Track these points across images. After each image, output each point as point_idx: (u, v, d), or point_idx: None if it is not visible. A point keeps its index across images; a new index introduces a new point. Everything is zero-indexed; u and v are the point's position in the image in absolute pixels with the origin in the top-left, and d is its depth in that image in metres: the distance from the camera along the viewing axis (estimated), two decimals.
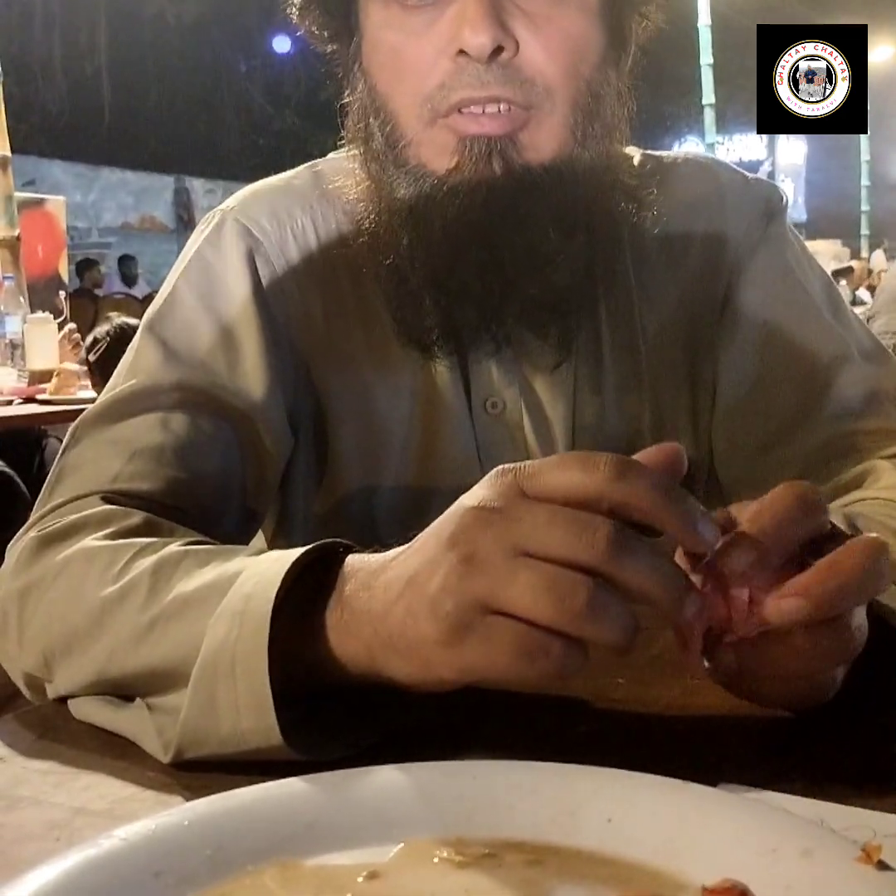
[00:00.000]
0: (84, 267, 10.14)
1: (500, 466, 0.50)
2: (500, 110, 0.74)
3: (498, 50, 0.72)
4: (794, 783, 0.48)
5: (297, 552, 0.54)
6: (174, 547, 0.61)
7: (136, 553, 0.61)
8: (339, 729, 0.53)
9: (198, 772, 0.52)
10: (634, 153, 0.89)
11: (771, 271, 0.87)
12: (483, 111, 0.74)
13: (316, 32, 0.82)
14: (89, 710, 0.59)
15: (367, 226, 0.81)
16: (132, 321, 3.05)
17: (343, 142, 0.86)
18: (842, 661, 0.51)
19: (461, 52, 0.73)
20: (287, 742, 0.50)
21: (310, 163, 0.91)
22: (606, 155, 0.80)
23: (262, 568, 0.54)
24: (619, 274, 0.85)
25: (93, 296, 8.82)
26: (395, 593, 0.50)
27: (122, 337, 2.91)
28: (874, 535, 0.51)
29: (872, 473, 0.79)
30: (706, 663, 0.52)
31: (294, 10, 0.82)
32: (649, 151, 0.90)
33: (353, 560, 0.54)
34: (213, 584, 0.56)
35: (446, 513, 0.50)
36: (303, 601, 0.53)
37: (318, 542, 0.55)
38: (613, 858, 0.41)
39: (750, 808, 0.42)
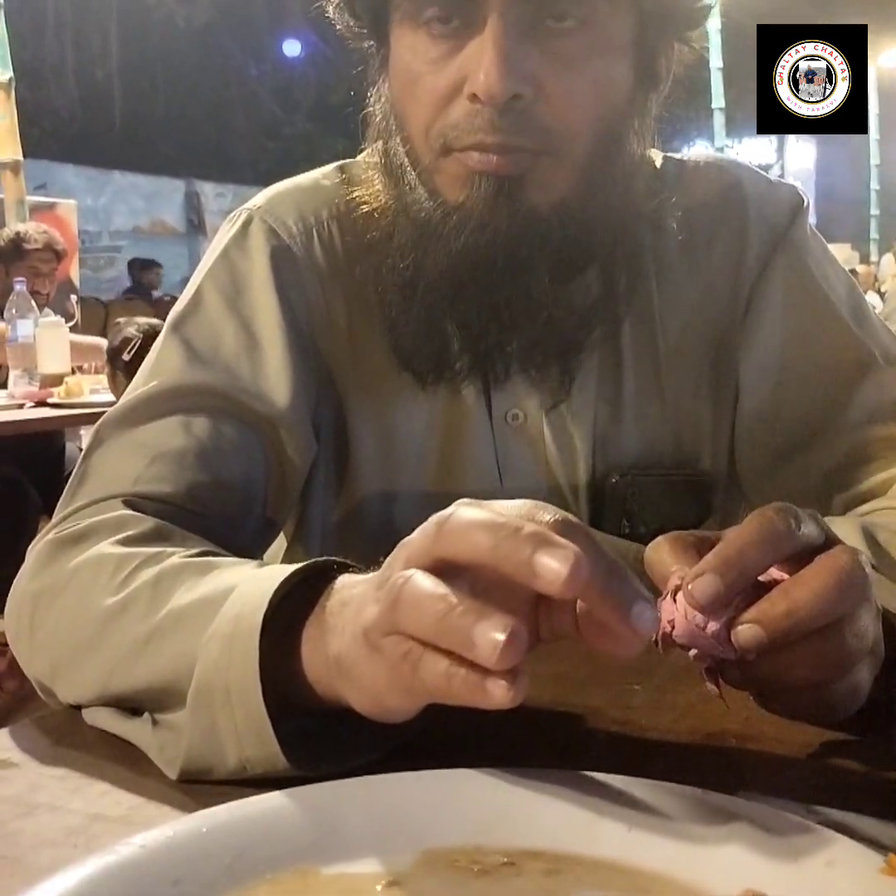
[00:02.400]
0: (140, 267, 9.81)
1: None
2: (512, 152, 0.72)
3: (515, 96, 0.70)
4: (814, 792, 0.48)
5: (287, 570, 0.53)
6: (176, 558, 0.61)
7: (142, 562, 0.61)
8: (345, 743, 0.52)
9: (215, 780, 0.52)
10: (656, 156, 0.88)
11: (792, 275, 0.86)
12: (495, 151, 0.72)
13: (353, 29, 0.81)
14: (101, 719, 0.59)
15: (384, 238, 0.81)
16: (156, 322, 3.04)
17: (352, 145, 0.86)
18: (846, 668, 0.50)
19: (475, 95, 0.71)
20: (294, 764, 0.49)
21: (337, 163, 0.90)
22: (624, 189, 0.79)
23: (253, 586, 0.53)
24: (640, 286, 0.84)
25: (102, 301, 8.82)
26: (348, 615, 0.48)
27: (154, 335, 2.91)
28: (842, 548, 0.51)
29: (895, 482, 0.78)
30: (712, 687, 0.52)
31: (329, 8, 0.81)
32: (671, 154, 0.90)
33: (344, 578, 0.52)
34: (206, 599, 0.55)
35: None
36: (291, 619, 0.52)
37: (311, 561, 0.54)
38: (633, 868, 0.41)
39: (771, 817, 0.42)
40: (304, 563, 0.54)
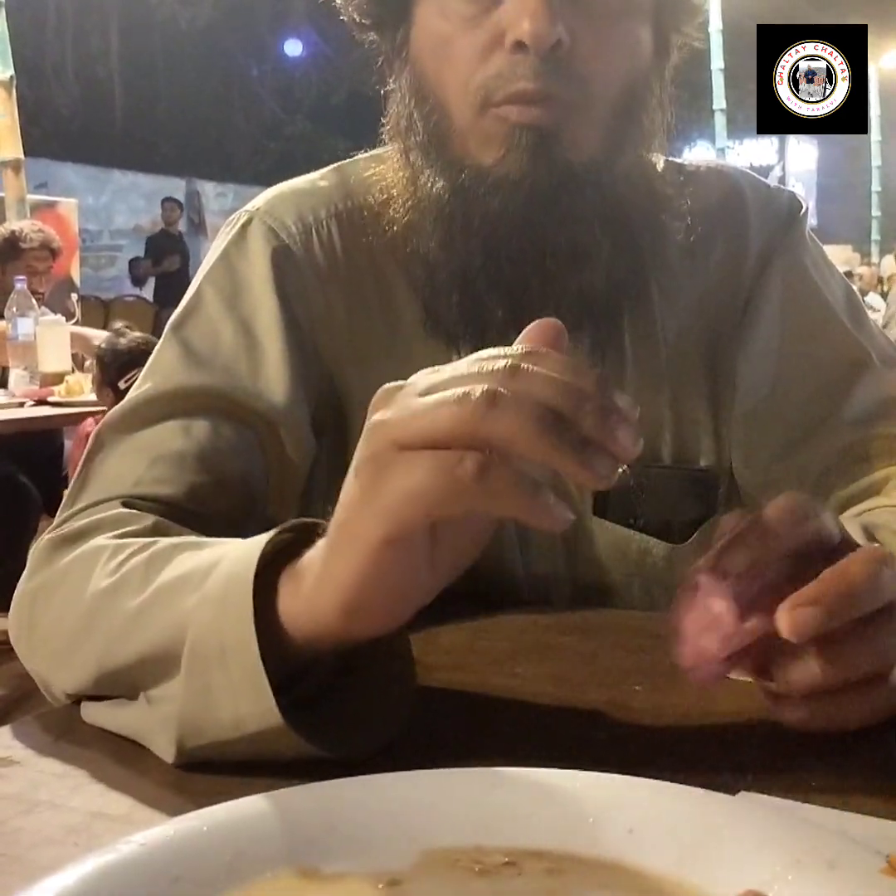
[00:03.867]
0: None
1: (375, 419, 0.48)
2: (550, 102, 0.74)
3: (557, 43, 0.72)
4: (815, 793, 0.48)
5: (272, 532, 0.54)
6: (168, 540, 0.62)
7: (136, 549, 0.62)
8: (349, 724, 0.53)
9: (216, 776, 0.52)
10: (658, 160, 0.88)
11: (790, 278, 0.87)
12: (536, 102, 0.74)
13: (358, 20, 0.82)
14: (97, 714, 0.59)
15: (399, 216, 0.81)
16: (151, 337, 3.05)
17: (353, 145, 0.86)
18: (872, 671, 0.50)
19: (519, 43, 0.72)
20: (288, 723, 0.50)
21: (335, 164, 0.90)
22: (642, 161, 0.81)
23: (241, 551, 0.54)
24: (644, 281, 0.84)
25: (103, 300, 8.82)
26: (327, 544, 0.50)
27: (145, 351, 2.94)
28: (877, 545, 0.51)
29: (891, 480, 0.78)
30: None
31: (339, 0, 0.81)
32: (671, 159, 0.90)
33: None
34: (194, 569, 0.56)
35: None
36: (282, 576, 0.53)
37: (297, 520, 0.55)
38: (634, 868, 0.41)
39: (772, 817, 0.41)
40: (291, 521, 0.55)
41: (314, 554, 0.52)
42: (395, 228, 0.82)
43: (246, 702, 0.50)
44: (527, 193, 0.75)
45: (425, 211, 0.80)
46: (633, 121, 0.78)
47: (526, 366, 0.45)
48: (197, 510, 0.72)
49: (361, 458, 0.48)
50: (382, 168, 0.84)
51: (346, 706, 0.55)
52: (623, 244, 0.81)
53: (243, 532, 0.74)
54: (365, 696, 0.55)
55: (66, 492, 0.75)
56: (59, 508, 0.74)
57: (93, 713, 0.59)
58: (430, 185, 0.79)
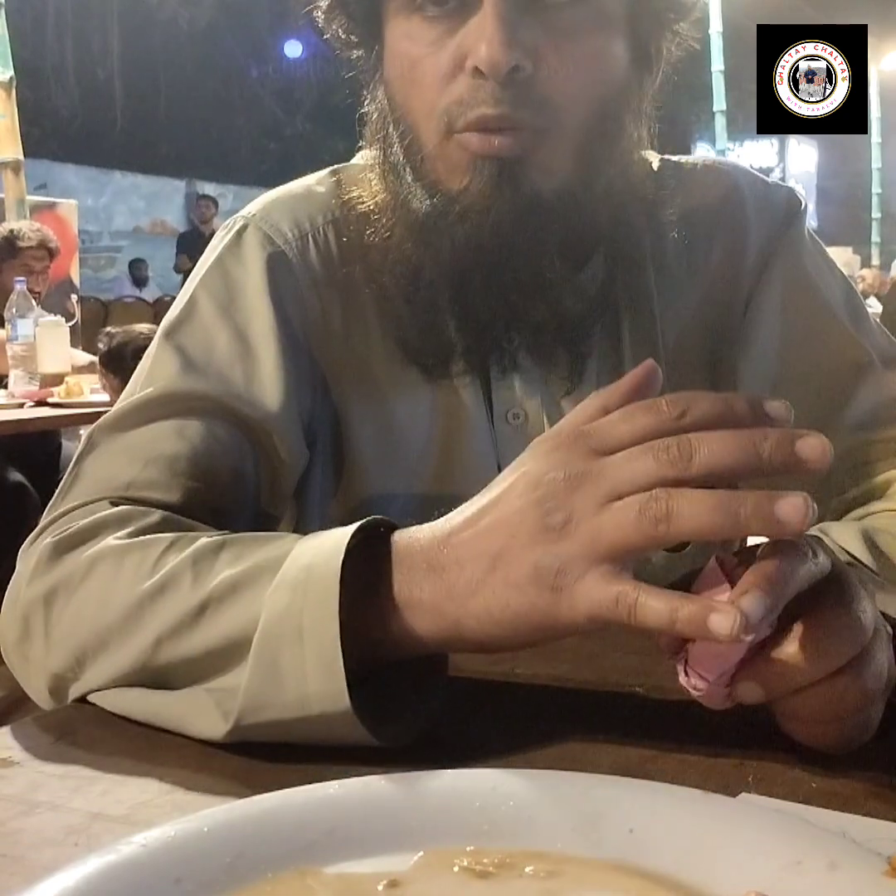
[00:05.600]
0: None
1: (558, 436, 0.51)
2: (513, 130, 0.72)
3: (516, 68, 0.71)
4: (816, 794, 0.48)
5: (348, 528, 0.55)
6: (207, 539, 0.62)
7: (167, 548, 0.62)
8: (399, 710, 0.54)
9: (217, 777, 0.52)
10: (653, 159, 0.88)
11: (789, 277, 0.86)
12: (497, 130, 0.73)
13: (341, 38, 0.82)
14: (125, 701, 0.59)
15: (383, 237, 0.81)
16: (146, 329, 3.05)
17: (353, 146, 0.85)
18: (860, 708, 0.50)
19: (478, 69, 0.71)
20: (355, 705, 0.51)
21: (331, 168, 0.90)
22: (624, 174, 0.79)
23: (315, 543, 0.56)
24: (640, 285, 0.84)
25: (102, 301, 8.81)
26: (481, 570, 0.51)
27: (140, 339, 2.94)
28: (839, 593, 0.50)
29: (892, 484, 0.78)
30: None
31: (320, 15, 0.81)
32: (668, 156, 0.90)
33: (403, 538, 0.55)
34: (263, 564, 0.57)
35: (510, 487, 0.52)
36: (361, 576, 0.54)
37: (365, 520, 0.56)
38: (635, 870, 0.41)
39: (773, 819, 0.41)
40: (362, 521, 0.56)
41: (455, 579, 0.52)
42: (381, 235, 0.81)
43: (317, 681, 0.51)
44: (492, 224, 0.74)
45: (400, 237, 0.79)
46: (608, 138, 0.76)
47: (697, 445, 0.48)
48: (188, 513, 0.71)
49: (558, 555, 0.49)
50: (373, 176, 0.83)
51: (387, 694, 0.56)
52: (610, 257, 0.81)
53: (233, 531, 0.74)
54: (403, 685, 0.56)
55: (56, 491, 0.75)
56: (48, 507, 0.73)
57: (114, 700, 0.59)
58: (404, 206, 0.79)
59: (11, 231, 3.68)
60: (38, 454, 3.25)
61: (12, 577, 0.69)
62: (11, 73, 4.88)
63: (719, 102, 9.28)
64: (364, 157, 0.87)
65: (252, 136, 15.87)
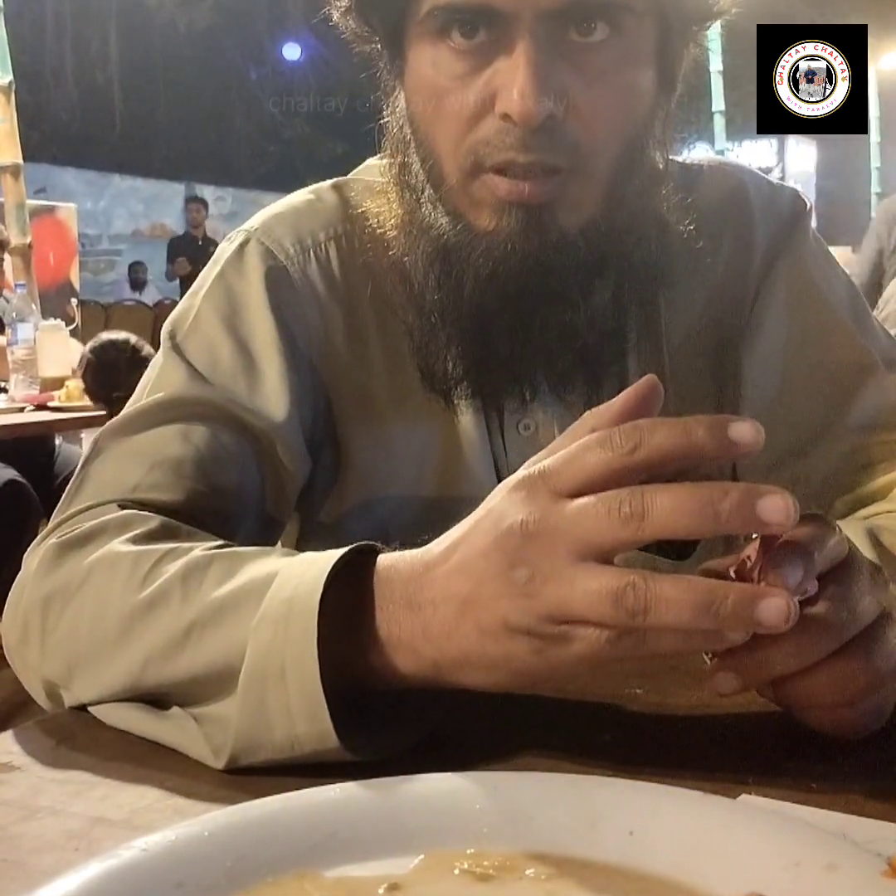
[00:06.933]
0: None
1: (522, 474, 0.50)
2: (543, 175, 0.71)
3: (549, 116, 0.69)
4: (815, 795, 0.48)
5: (330, 556, 0.54)
6: (199, 552, 0.62)
7: (160, 559, 0.62)
8: (385, 728, 0.54)
9: (216, 783, 0.52)
10: (659, 162, 0.87)
11: (794, 279, 0.86)
12: (525, 176, 0.71)
13: (360, 36, 0.79)
14: (123, 717, 0.59)
15: (397, 257, 0.80)
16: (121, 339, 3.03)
17: (351, 150, 0.85)
18: (871, 689, 0.50)
19: (508, 115, 0.69)
20: (343, 744, 0.50)
21: (334, 180, 0.89)
22: (646, 199, 0.78)
23: (298, 572, 0.55)
24: (649, 293, 0.83)
25: (102, 304, 8.78)
26: (452, 613, 0.50)
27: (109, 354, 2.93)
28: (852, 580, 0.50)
29: (895, 485, 0.78)
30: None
31: (335, 13, 0.79)
32: (672, 157, 0.89)
33: (384, 567, 0.54)
34: (247, 588, 0.56)
35: (476, 525, 0.51)
36: (342, 608, 0.53)
37: (349, 547, 0.55)
38: (635, 871, 0.41)
39: (772, 820, 0.42)
40: (347, 547, 0.55)
41: (430, 619, 0.51)
42: (393, 254, 0.81)
43: (303, 723, 0.51)
44: (517, 270, 0.73)
45: (419, 265, 0.78)
46: (634, 169, 0.75)
47: (649, 504, 0.45)
48: (192, 516, 0.72)
49: (526, 613, 0.48)
50: (380, 191, 0.83)
51: (380, 706, 0.55)
52: (626, 289, 0.80)
53: (236, 537, 0.75)
54: (398, 696, 0.55)
55: (63, 495, 0.75)
56: (55, 511, 0.74)
57: (116, 716, 0.59)
58: (423, 230, 0.78)
59: None
60: (33, 458, 3.25)
61: (17, 577, 0.69)
62: (11, 77, 4.87)
63: (718, 103, 9.27)
64: (370, 169, 0.86)
65: (251, 139, 15.86)
